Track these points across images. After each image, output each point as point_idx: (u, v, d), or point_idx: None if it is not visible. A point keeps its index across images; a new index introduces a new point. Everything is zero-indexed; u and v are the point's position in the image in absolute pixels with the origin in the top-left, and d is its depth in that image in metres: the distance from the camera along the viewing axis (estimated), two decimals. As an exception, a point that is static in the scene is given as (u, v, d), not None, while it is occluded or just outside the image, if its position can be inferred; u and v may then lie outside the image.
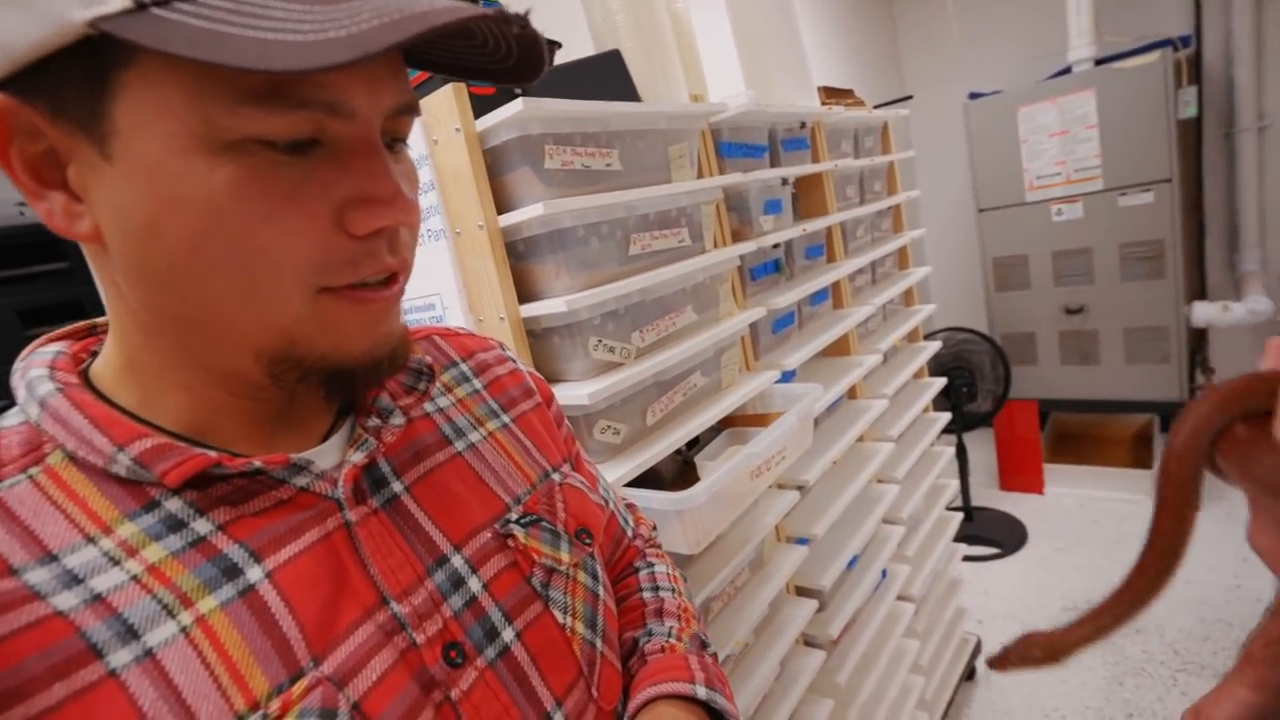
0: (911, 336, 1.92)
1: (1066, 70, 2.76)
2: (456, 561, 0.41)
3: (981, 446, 3.12)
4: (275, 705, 0.32)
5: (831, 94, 1.60)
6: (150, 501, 0.34)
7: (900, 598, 1.58)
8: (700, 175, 1.06)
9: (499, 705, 0.39)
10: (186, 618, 0.32)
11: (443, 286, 0.84)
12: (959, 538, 1.95)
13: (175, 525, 0.34)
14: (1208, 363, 3.00)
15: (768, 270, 1.30)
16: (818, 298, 1.44)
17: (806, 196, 1.46)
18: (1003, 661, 0.38)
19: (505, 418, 0.52)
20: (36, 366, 0.36)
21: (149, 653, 0.31)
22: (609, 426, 0.84)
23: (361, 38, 0.26)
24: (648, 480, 0.91)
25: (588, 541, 0.50)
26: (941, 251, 3.54)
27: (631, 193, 0.85)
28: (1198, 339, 3.00)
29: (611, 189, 0.86)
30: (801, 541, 1.22)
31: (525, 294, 0.82)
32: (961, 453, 2.65)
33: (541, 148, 0.76)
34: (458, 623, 0.39)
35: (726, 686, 0.52)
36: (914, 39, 3.55)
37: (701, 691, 0.49)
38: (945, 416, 1.88)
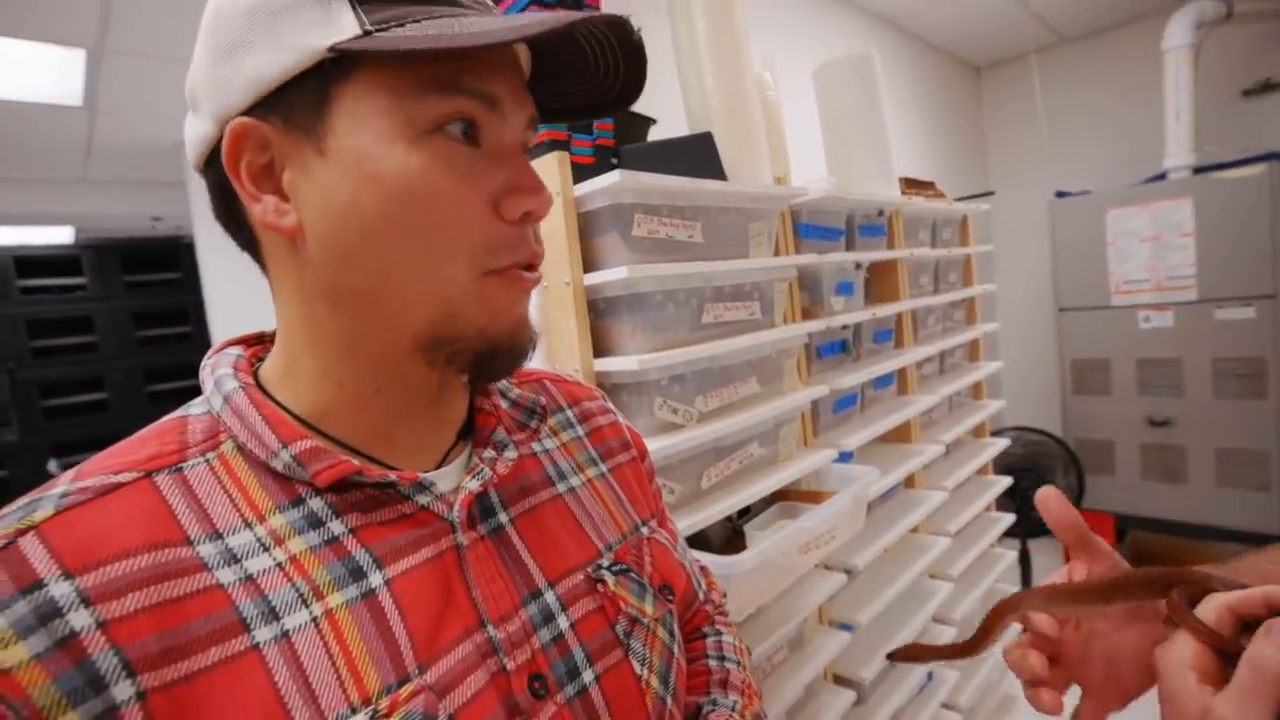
0: (978, 431, 1.87)
1: (1161, 176, 2.71)
2: (549, 597, 0.43)
3: (1049, 555, 2.95)
4: (384, 703, 0.34)
5: (912, 185, 1.63)
6: (298, 497, 0.38)
7: (945, 705, 1.50)
8: (777, 253, 1.10)
9: None
10: (317, 609, 0.35)
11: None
12: (1016, 650, 1.83)
13: (315, 522, 0.37)
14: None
15: (834, 350, 1.32)
16: (882, 382, 1.44)
17: (879, 282, 1.48)
18: (897, 655, 0.56)
19: (603, 467, 0.54)
20: (224, 366, 0.41)
21: (285, 634, 0.34)
22: (665, 485, 0.87)
23: (516, 29, 0.34)
24: (696, 543, 0.92)
25: (670, 598, 0.52)
26: (1018, 350, 3.45)
27: (710, 265, 0.90)
28: (1298, 468, 2.78)
29: (692, 259, 0.91)
30: (845, 627, 1.19)
31: (600, 350, 0.87)
32: (1025, 559, 2.51)
33: (631, 216, 0.82)
34: (544, 656, 0.41)
35: None
36: (1002, 135, 3.57)
37: None
38: (1009, 518, 1.81)
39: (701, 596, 0.63)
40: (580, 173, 0.85)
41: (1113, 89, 3.17)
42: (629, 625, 0.46)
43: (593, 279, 0.82)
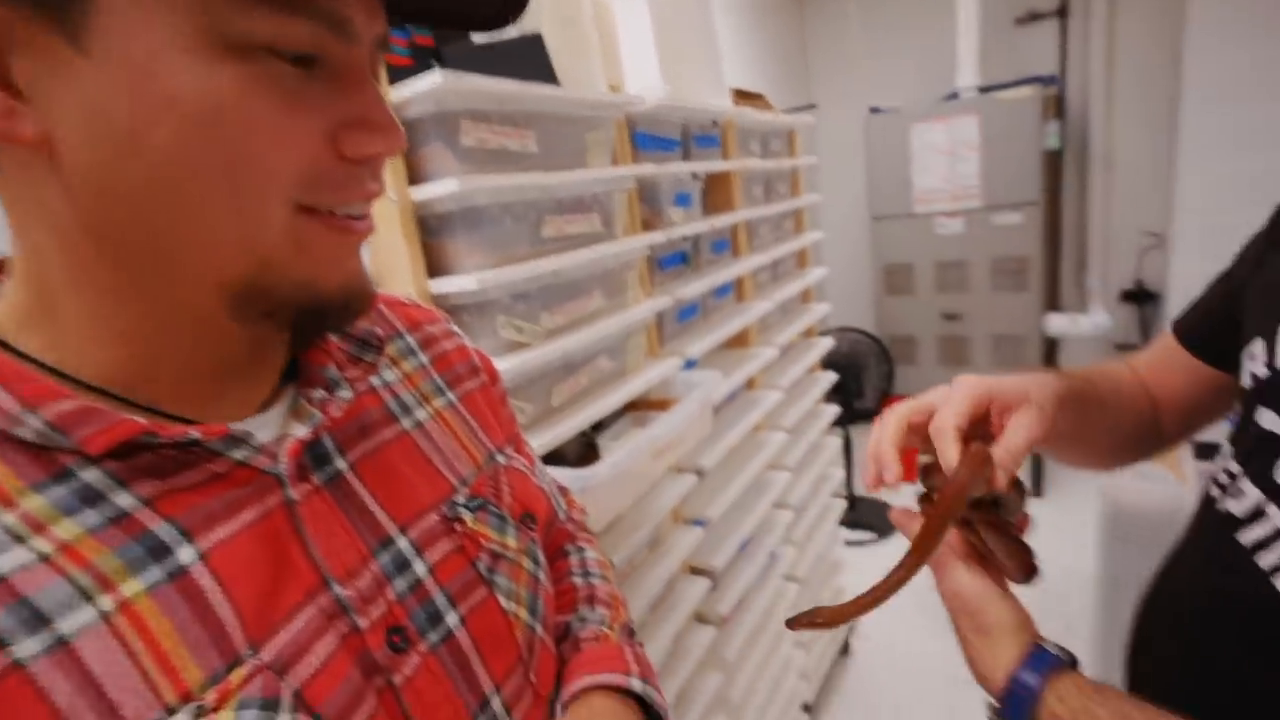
0: (807, 333, 2.03)
1: (955, 96, 2.99)
2: (402, 544, 0.40)
3: (866, 439, 3.34)
4: (211, 695, 0.30)
5: (743, 96, 1.66)
6: (61, 471, 0.30)
7: (786, 578, 1.68)
8: (615, 164, 1.08)
9: (440, 690, 0.39)
10: (107, 602, 0.29)
11: (347, 257, 0.82)
12: (841, 523, 2.09)
13: (92, 498, 0.31)
14: (1059, 368, 3.35)
15: (675, 261, 1.34)
16: (721, 291, 1.50)
17: (715, 193, 1.52)
18: (795, 623, 0.51)
19: (451, 395, 0.50)
20: None
21: (62, 641, 0.28)
22: (516, 406, 0.85)
23: None
24: (551, 460, 0.93)
25: (532, 526, 0.50)
26: (837, 255, 3.74)
27: (548, 176, 0.86)
28: (1051, 346, 3.34)
29: (527, 170, 0.87)
30: (698, 523, 1.28)
31: (435, 270, 0.82)
32: (848, 445, 2.83)
33: (458, 124, 0.76)
34: (402, 606, 0.39)
35: (655, 677, 0.53)
36: (822, 52, 3.72)
37: (636, 684, 0.50)
38: (835, 409, 2.01)
39: (563, 516, 0.63)
40: (396, 75, 0.77)
41: (918, 12, 3.39)
42: (492, 561, 0.45)
43: (421, 194, 0.76)
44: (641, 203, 1.19)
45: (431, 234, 0.81)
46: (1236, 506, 0.49)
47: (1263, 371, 0.49)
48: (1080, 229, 3.22)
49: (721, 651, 1.33)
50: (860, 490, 3.03)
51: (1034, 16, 3.12)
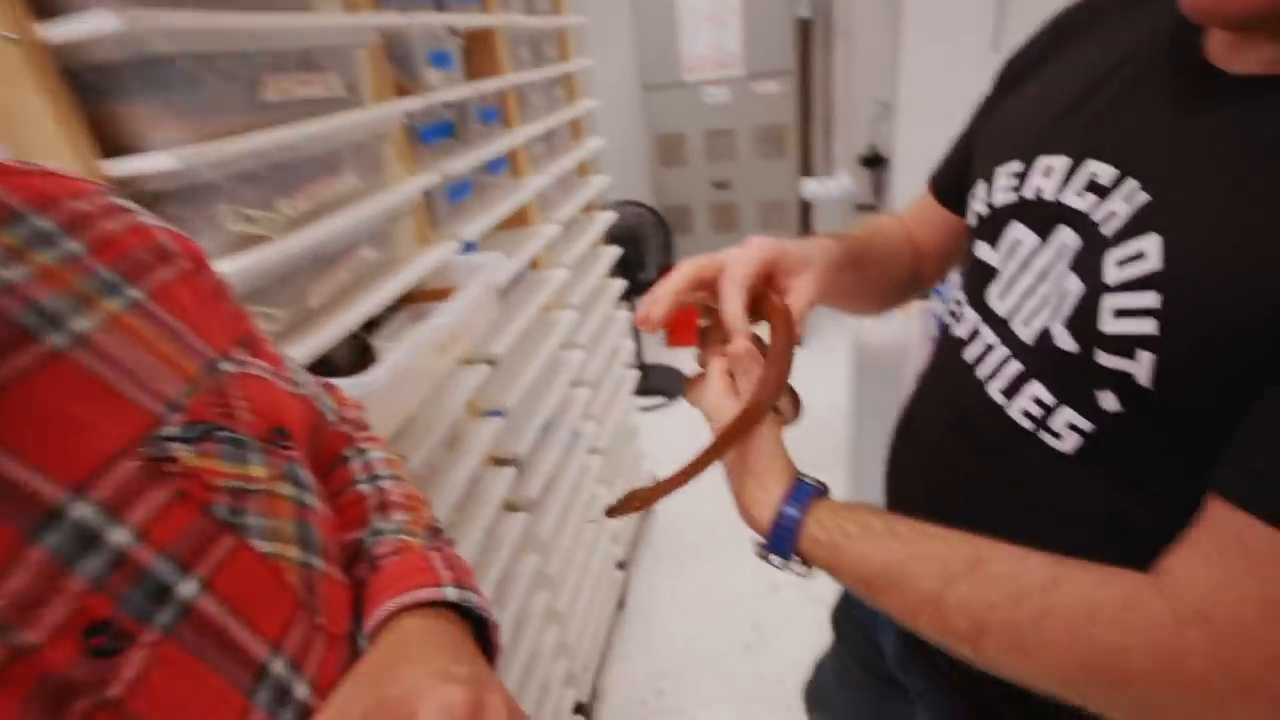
0: (588, 208, 1.99)
1: (714, -46, 2.95)
2: (80, 512, 0.30)
3: (651, 311, 3.49)
4: None
5: (497, -64, 1.46)
6: None
7: (590, 451, 1.74)
8: (350, 12, 0.89)
9: (187, 682, 0.31)
10: None
11: (-37, 131, 0.58)
12: (635, 392, 2.19)
13: None
14: (813, 229, 3.72)
15: (440, 134, 1.19)
16: (495, 166, 1.39)
17: (477, 55, 1.35)
18: (614, 511, 0.54)
19: (133, 292, 0.37)
20: None
21: None
22: (262, 312, 0.71)
23: None
24: (320, 370, 0.81)
25: (286, 444, 0.41)
26: (610, 127, 3.68)
27: (257, 17, 0.68)
28: (806, 209, 3.69)
29: (228, 10, 0.67)
30: (495, 414, 1.24)
31: (111, 148, 0.62)
32: (635, 317, 2.93)
33: (102, -67, 0.55)
34: (103, 595, 0.29)
35: (471, 576, 0.48)
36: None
37: (452, 593, 0.44)
38: (621, 283, 2.03)
39: (333, 418, 0.54)
40: None
41: None
42: (234, 501, 0.36)
43: (59, 31, 0.55)
44: (393, 64, 1.02)
45: (94, 94, 0.60)
46: (960, 329, 0.55)
47: (983, 209, 0.54)
48: (827, 99, 3.48)
49: (536, 533, 1.35)
50: (650, 359, 3.20)
51: (783, -126, 3.13)
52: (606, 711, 1.73)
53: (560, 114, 1.66)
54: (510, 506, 1.29)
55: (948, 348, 0.58)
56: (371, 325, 0.99)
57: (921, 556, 0.42)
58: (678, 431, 2.78)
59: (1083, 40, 0.51)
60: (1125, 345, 0.38)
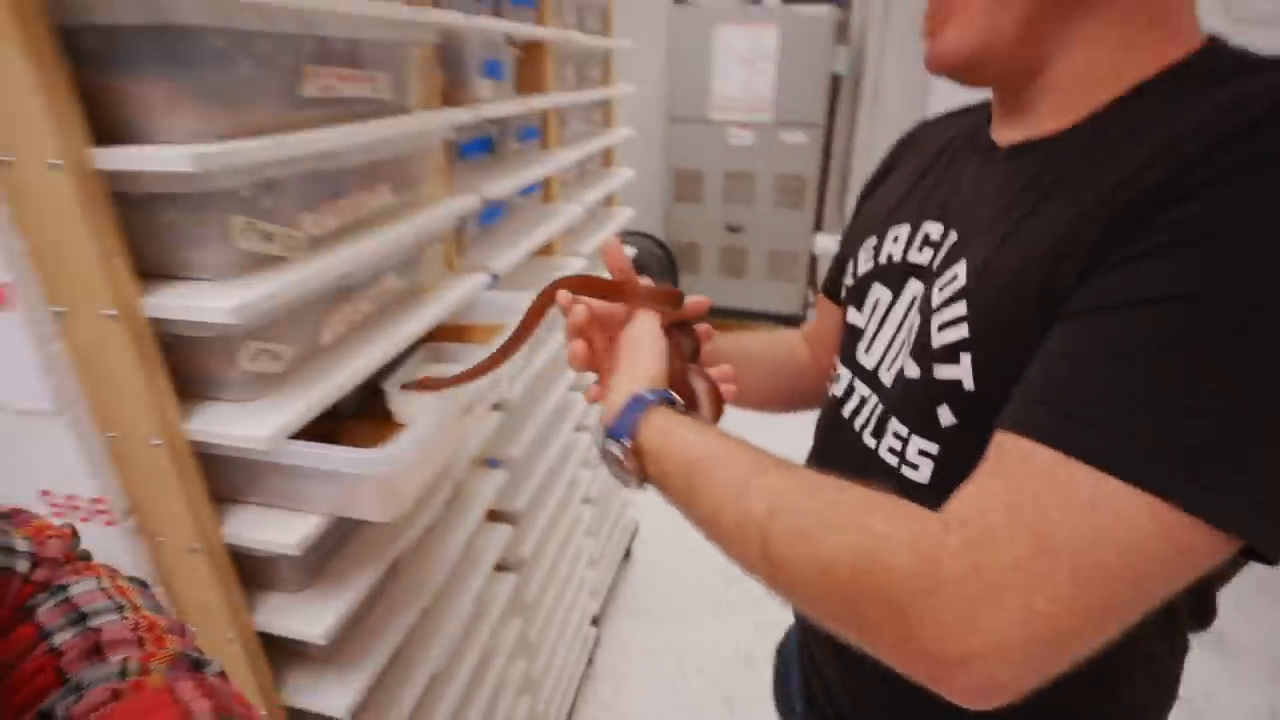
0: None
1: (758, 0, 2.91)
2: None
3: (646, 345, 3.39)
4: None
5: (563, -54, 1.36)
6: None
7: (583, 501, 1.61)
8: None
9: None
10: None
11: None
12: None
13: None
14: (818, 285, 3.67)
15: (478, 149, 1.08)
16: (527, 188, 1.27)
17: (526, 69, 1.25)
18: (407, 386, 0.61)
19: None
20: None
21: None
22: (264, 350, 0.58)
23: None
24: (323, 416, 0.68)
25: None
26: (631, 154, 3.60)
27: (310, -2, 0.56)
28: (814, 263, 3.64)
29: (274, -16, 0.55)
30: (493, 463, 1.11)
31: (106, 131, 0.49)
32: (633, 353, 2.82)
33: None
34: None
35: (243, 703, 0.36)
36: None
37: None
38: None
39: (25, 567, 0.40)
40: None
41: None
42: None
43: (66, -16, 0.42)
44: (442, 68, 0.90)
45: (99, 64, 0.48)
46: (837, 389, 0.61)
47: (850, 281, 0.61)
48: (847, 154, 3.45)
49: (523, 596, 1.21)
50: (641, 396, 3.08)
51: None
52: (566, 787, 1.58)
53: (599, 140, 1.56)
54: (501, 567, 1.16)
55: (828, 407, 0.62)
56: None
57: (742, 451, 0.44)
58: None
59: (918, 147, 0.62)
60: (951, 352, 0.44)
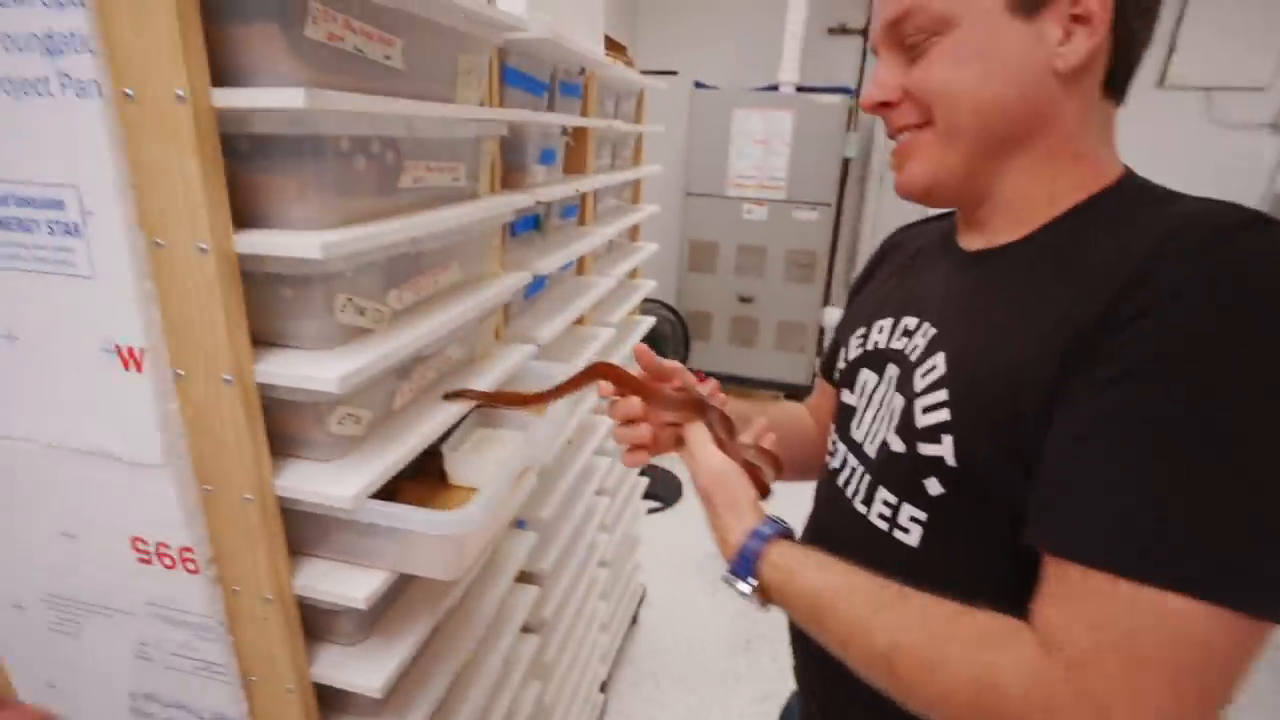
0: (632, 312, 1.96)
1: (774, 88, 3.09)
2: None
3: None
4: None
5: (611, 46, 1.49)
6: None
7: (600, 564, 1.62)
8: (485, 104, 0.87)
9: None
10: None
11: (85, 176, 0.52)
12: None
13: None
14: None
15: (527, 226, 1.16)
16: (566, 263, 1.35)
17: (571, 154, 1.34)
18: (450, 396, 0.74)
19: None
20: None
21: None
22: (350, 415, 0.63)
23: None
24: (392, 483, 0.72)
25: None
26: (650, 224, 3.75)
27: (419, 105, 0.63)
28: (822, 335, 3.72)
29: (387, 93, 0.63)
30: (520, 524, 1.14)
31: (245, 216, 0.56)
32: (644, 417, 2.86)
33: (305, 2, 0.51)
34: None
35: None
36: (650, 18, 3.61)
37: None
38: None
39: None
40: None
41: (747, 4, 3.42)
42: None
43: (232, 98, 0.50)
44: (502, 155, 0.99)
45: (241, 161, 0.55)
46: (834, 462, 0.66)
47: (843, 365, 0.68)
48: (854, 234, 3.58)
49: (543, 657, 1.22)
50: (654, 461, 3.10)
51: (844, 30, 3.34)
52: None
53: (630, 216, 1.65)
54: (526, 629, 1.17)
55: (826, 479, 0.68)
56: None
57: (859, 588, 0.49)
58: (668, 536, 2.66)
59: (899, 248, 0.71)
60: (934, 433, 0.50)
